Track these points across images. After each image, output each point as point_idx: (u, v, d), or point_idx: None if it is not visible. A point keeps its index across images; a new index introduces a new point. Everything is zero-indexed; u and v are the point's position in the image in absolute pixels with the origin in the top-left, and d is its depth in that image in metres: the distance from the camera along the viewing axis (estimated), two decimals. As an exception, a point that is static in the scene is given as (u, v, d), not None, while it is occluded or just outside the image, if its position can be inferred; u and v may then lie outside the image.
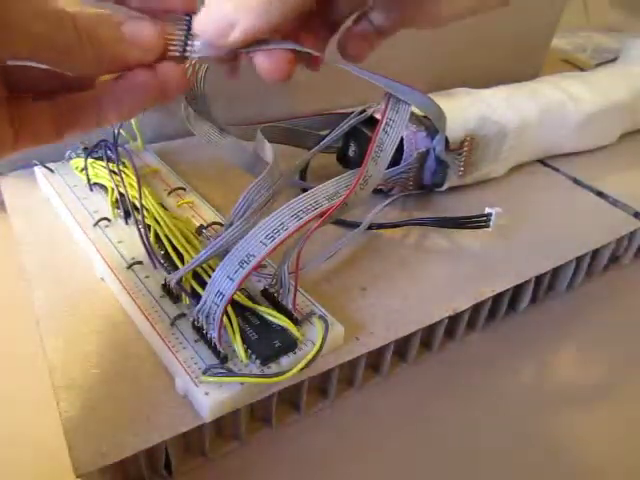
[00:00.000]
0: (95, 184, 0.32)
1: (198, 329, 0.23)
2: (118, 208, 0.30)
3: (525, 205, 0.36)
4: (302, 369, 0.21)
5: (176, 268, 0.25)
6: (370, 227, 0.31)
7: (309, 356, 0.21)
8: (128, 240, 0.28)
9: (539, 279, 0.31)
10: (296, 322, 0.23)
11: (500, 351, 0.30)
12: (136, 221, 0.28)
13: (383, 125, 0.25)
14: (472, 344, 0.30)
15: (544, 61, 0.57)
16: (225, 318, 0.22)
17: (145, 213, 0.28)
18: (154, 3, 0.19)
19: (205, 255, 0.23)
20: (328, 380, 0.25)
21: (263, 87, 0.38)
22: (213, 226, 0.29)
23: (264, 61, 0.21)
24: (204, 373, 0.21)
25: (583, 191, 0.39)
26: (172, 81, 0.20)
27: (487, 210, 0.29)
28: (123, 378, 0.22)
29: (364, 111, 0.34)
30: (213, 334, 0.22)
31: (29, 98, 0.19)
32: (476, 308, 0.29)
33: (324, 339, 0.22)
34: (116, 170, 0.31)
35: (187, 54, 0.21)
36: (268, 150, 0.28)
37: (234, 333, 0.22)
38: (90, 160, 0.32)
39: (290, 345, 0.22)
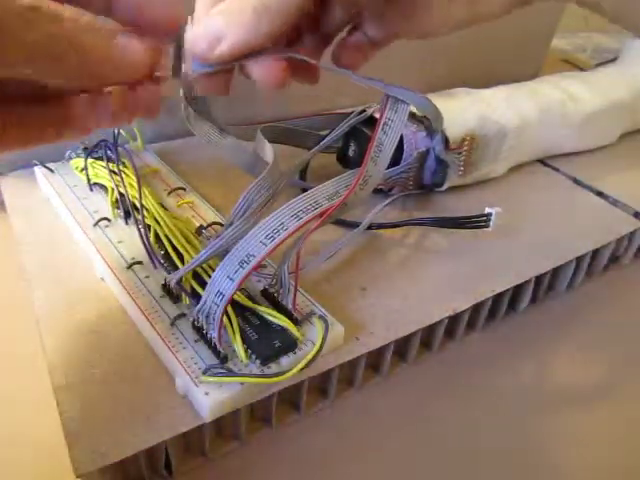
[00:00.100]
0: (95, 184, 0.32)
1: (198, 329, 0.23)
2: (118, 208, 0.30)
3: (525, 205, 0.36)
4: (302, 369, 0.21)
5: (176, 268, 0.25)
6: (370, 227, 0.31)
7: (309, 356, 0.21)
8: (128, 240, 0.28)
9: (539, 279, 0.31)
10: (296, 322, 0.23)
11: (500, 351, 0.30)
12: (136, 221, 0.28)
13: (382, 125, 0.25)
14: (472, 344, 0.30)
15: (544, 61, 0.57)
16: (225, 318, 0.22)
17: (145, 213, 0.28)
18: (137, 15, 0.19)
19: (205, 255, 0.23)
20: (328, 380, 0.25)
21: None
22: (213, 226, 0.29)
23: (258, 70, 0.21)
24: (204, 373, 0.21)
25: (583, 191, 0.39)
26: (146, 104, 0.20)
27: (487, 210, 0.29)
28: (123, 378, 0.22)
29: (364, 111, 0.34)
30: (213, 334, 0.22)
31: None
32: (476, 308, 0.28)
33: (324, 339, 0.22)
34: (116, 170, 0.31)
35: (177, 72, 0.21)
36: (268, 150, 0.28)
37: (234, 333, 0.22)
38: (90, 160, 0.32)
39: (290, 345, 0.22)
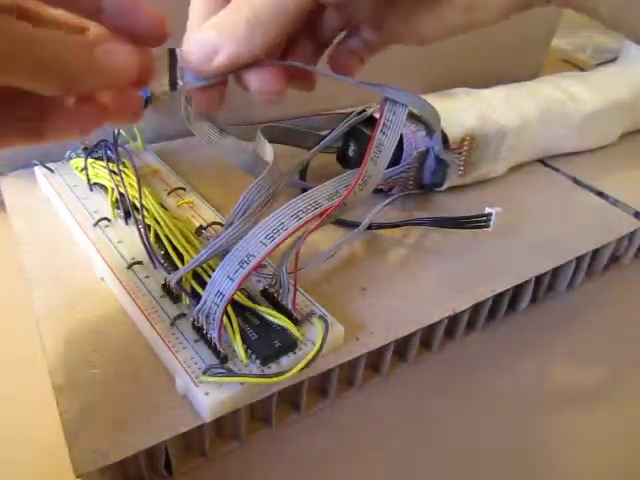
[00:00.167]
0: (95, 184, 0.32)
1: (198, 329, 0.23)
2: (118, 208, 0.30)
3: (525, 205, 0.36)
4: (302, 369, 0.21)
5: (176, 268, 0.25)
6: (370, 227, 0.31)
7: (309, 356, 0.21)
8: (128, 240, 0.28)
9: (539, 279, 0.31)
10: (296, 322, 0.23)
11: (500, 351, 0.30)
12: (136, 221, 0.28)
13: (381, 126, 0.25)
14: (472, 344, 0.30)
15: (544, 61, 0.57)
16: (225, 318, 0.22)
17: (145, 213, 0.28)
18: (124, 22, 0.18)
19: (205, 255, 0.23)
20: (328, 380, 0.25)
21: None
22: (213, 226, 0.29)
23: (255, 80, 0.21)
24: (204, 373, 0.21)
25: (583, 191, 0.39)
26: (129, 109, 0.20)
27: (487, 210, 0.29)
28: (123, 378, 0.22)
29: (364, 111, 0.34)
30: (213, 334, 0.22)
31: None
32: (476, 308, 0.28)
33: (324, 339, 0.22)
34: (116, 170, 0.31)
35: (174, 85, 0.21)
36: (268, 150, 0.28)
37: (234, 333, 0.22)
38: (90, 160, 0.32)
39: (290, 345, 0.22)
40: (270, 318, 0.23)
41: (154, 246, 0.27)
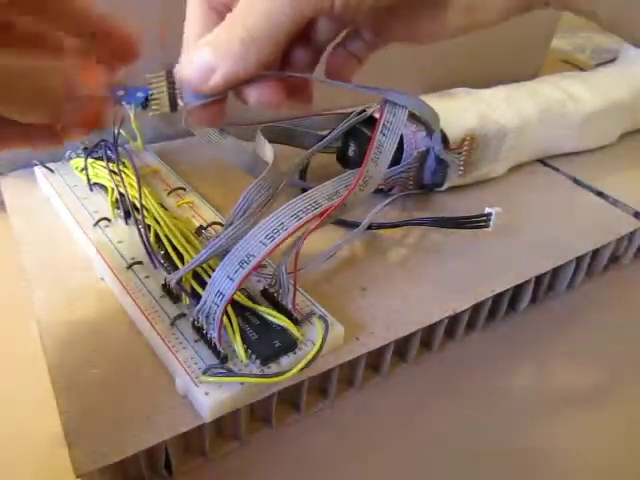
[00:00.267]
0: (95, 184, 0.32)
1: (198, 329, 0.23)
2: (118, 208, 0.30)
3: (525, 205, 0.36)
4: (302, 369, 0.21)
5: (176, 268, 0.25)
6: (370, 227, 0.31)
7: (309, 356, 0.21)
8: (128, 240, 0.28)
9: (539, 279, 0.31)
10: (296, 322, 0.23)
11: (500, 351, 0.30)
12: (136, 221, 0.28)
13: (381, 128, 0.25)
14: (472, 344, 0.30)
15: (544, 61, 0.57)
16: (225, 318, 0.22)
17: (145, 213, 0.28)
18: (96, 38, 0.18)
19: (205, 255, 0.23)
20: (328, 380, 0.25)
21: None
22: (213, 226, 0.29)
23: (254, 95, 0.21)
24: (204, 373, 0.21)
25: (583, 191, 0.39)
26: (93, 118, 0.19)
27: (487, 210, 0.29)
28: (123, 378, 0.22)
29: (364, 111, 0.34)
30: (213, 334, 0.22)
31: None
32: (476, 308, 0.28)
33: (324, 339, 0.22)
34: (116, 170, 0.31)
35: (174, 106, 0.22)
36: (268, 150, 0.28)
37: (234, 333, 0.22)
38: (90, 160, 0.32)
39: (290, 345, 0.22)
40: (270, 318, 0.23)
41: (154, 246, 0.27)
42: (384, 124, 0.25)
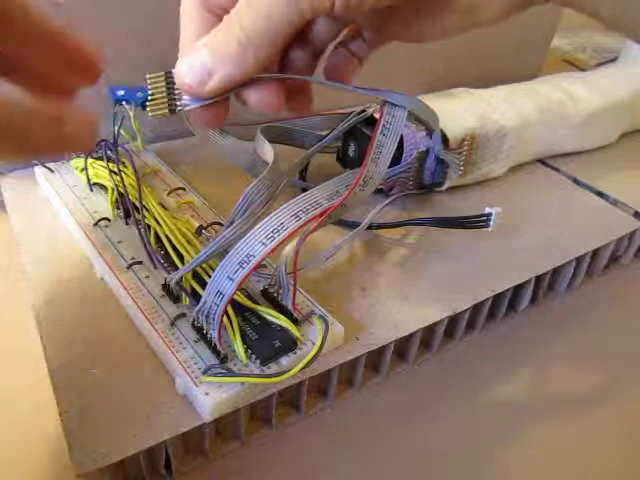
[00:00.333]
0: (95, 184, 0.32)
1: (198, 329, 0.23)
2: (118, 208, 0.30)
3: (525, 205, 0.36)
4: (302, 369, 0.21)
5: (176, 268, 0.25)
6: (370, 227, 0.31)
7: (309, 356, 0.21)
8: (128, 240, 0.28)
9: (539, 279, 0.31)
10: (296, 322, 0.23)
11: (500, 351, 0.30)
12: (136, 221, 0.28)
13: (381, 128, 0.25)
14: (472, 344, 0.30)
15: (544, 61, 0.57)
16: (225, 318, 0.22)
17: (145, 213, 0.28)
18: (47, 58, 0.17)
19: (205, 255, 0.23)
20: (328, 380, 0.25)
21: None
22: (213, 226, 0.29)
23: (254, 97, 0.21)
24: (204, 373, 0.21)
25: (583, 191, 0.39)
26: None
27: (487, 210, 0.29)
28: (123, 378, 0.22)
29: (364, 111, 0.34)
30: (213, 334, 0.22)
31: None
32: (476, 308, 0.28)
33: (324, 339, 0.22)
34: (116, 170, 0.31)
35: (173, 108, 0.21)
36: (268, 150, 0.28)
37: (234, 333, 0.22)
38: (90, 160, 0.32)
39: (290, 345, 0.22)
40: (270, 318, 0.23)
41: (154, 246, 0.27)
42: (384, 124, 0.25)
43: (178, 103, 0.22)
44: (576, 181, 0.40)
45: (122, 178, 0.30)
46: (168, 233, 0.27)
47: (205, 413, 0.20)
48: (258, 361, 0.22)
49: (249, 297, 0.24)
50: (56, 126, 0.15)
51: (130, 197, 0.29)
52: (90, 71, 0.17)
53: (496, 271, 0.30)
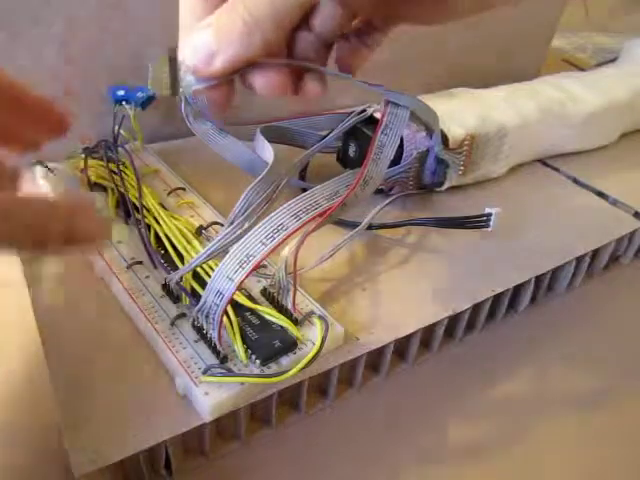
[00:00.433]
0: (95, 184, 0.32)
1: (198, 329, 0.23)
2: (118, 208, 0.30)
3: (525, 205, 0.36)
4: (302, 369, 0.21)
5: (176, 268, 0.25)
6: (370, 227, 0.31)
7: (309, 356, 0.21)
8: (128, 240, 0.28)
9: (539, 279, 0.31)
10: (296, 322, 0.23)
11: (500, 351, 0.30)
12: (136, 221, 0.28)
13: (382, 128, 0.25)
14: (472, 344, 0.30)
15: (544, 61, 0.57)
16: (225, 318, 0.22)
17: (145, 213, 0.28)
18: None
19: (205, 255, 0.23)
20: (328, 380, 0.25)
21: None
22: (213, 226, 0.29)
23: (259, 81, 0.21)
24: (204, 373, 0.21)
25: (583, 191, 0.39)
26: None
27: (487, 210, 0.29)
28: (123, 378, 0.22)
29: (364, 111, 0.34)
30: (213, 334, 0.22)
31: None
32: (476, 308, 0.28)
33: (324, 339, 0.22)
34: (116, 170, 0.31)
35: (178, 90, 0.21)
36: (268, 150, 0.28)
37: (234, 333, 0.22)
38: (90, 160, 0.32)
39: (290, 345, 0.22)
40: (270, 318, 0.23)
41: (154, 246, 0.27)
42: (386, 124, 0.25)
43: (180, 85, 0.21)
44: (576, 181, 0.40)
45: (122, 178, 0.30)
46: (168, 233, 0.27)
47: (205, 413, 0.20)
48: (258, 361, 0.22)
49: (249, 297, 0.24)
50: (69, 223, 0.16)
51: (130, 197, 0.29)
52: (57, 125, 0.17)
53: (496, 271, 0.30)
